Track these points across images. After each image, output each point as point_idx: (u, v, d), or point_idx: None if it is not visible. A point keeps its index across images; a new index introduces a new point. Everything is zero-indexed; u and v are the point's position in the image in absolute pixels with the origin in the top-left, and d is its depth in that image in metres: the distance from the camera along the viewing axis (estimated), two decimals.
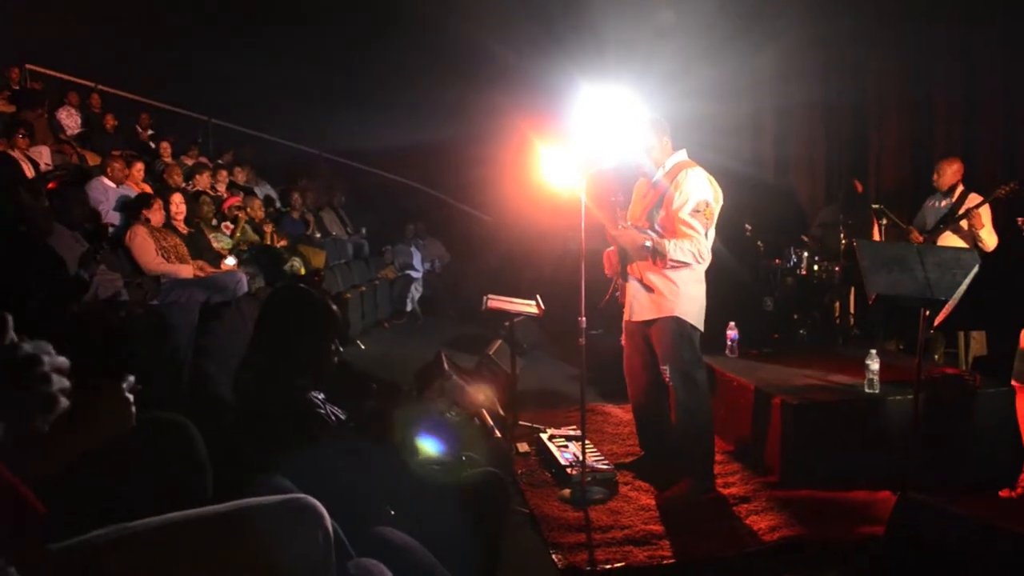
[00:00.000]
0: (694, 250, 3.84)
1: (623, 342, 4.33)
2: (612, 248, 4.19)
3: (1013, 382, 3.84)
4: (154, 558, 1.12)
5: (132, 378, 1.63)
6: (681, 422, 4.02)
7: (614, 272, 4.22)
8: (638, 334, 4.20)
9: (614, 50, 8.81)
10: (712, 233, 3.92)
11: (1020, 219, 3.62)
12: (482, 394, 4.32)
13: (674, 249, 3.82)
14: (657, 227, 3.96)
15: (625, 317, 4.22)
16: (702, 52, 8.67)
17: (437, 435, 4.67)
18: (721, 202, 3.96)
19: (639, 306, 4.09)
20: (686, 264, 3.88)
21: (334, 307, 2.50)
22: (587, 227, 3.93)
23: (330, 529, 1.19)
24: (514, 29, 10.00)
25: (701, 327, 4.04)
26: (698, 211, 3.83)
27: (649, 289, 4.00)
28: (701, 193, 3.85)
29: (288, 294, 2.59)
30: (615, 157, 4.09)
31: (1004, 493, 3.86)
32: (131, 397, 1.61)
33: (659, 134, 4.06)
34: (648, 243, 3.89)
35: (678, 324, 3.95)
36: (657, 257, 3.89)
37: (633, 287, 4.11)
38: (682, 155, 4.07)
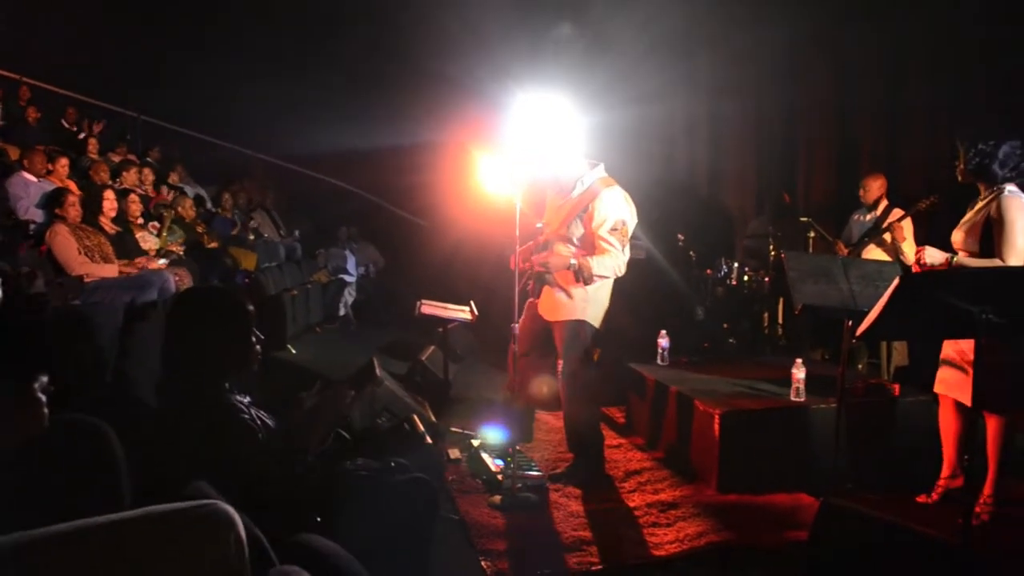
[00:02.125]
0: (614, 265, 4.15)
1: (520, 321, 4.33)
2: (525, 247, 4.39)
3: (935, 390, 3.96)
4: (56, 567, 1.07)
5: (45, 378, 1.57)
6: (571, 413, 4.40)
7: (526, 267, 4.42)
8: (539, 325, 4.43)
9: (550, 59, 8.88)
10: (628, 249, 4.22)
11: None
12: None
13: (597, 266, 4.11)
14: (576, 241, 4.21)
15: (535, 307, 4.43)
16: (638, 62, 8.78)
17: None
18: (636, 220, 4.26)
19: (549, 307, 4.33)
20: (605, 278, 4.19)
21: (249, 306, 2.43)
22: (522, 234, 3.99)
23: (243, 535, 1.15)
24: (452, 38, 9.99)
25: (599, 325, 4.32)
26: (616, 229, 4.13)
27: (560, 294, 4.25)
28: (619, 213, 4.15)
29: (197, 294, 2.52)
30: (546, 166, 4.25)
31: (921, 499, 3.97)
32: (43, 398, 1.54)
33: (575, 149, 4.28)
34: (573, 262, 4.13)
35: (580, 326, 4.25)
36: (580, 276, 4.13)
37: (548, 289, 4.33)
38: (599, 171, 4.30)
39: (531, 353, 4.57)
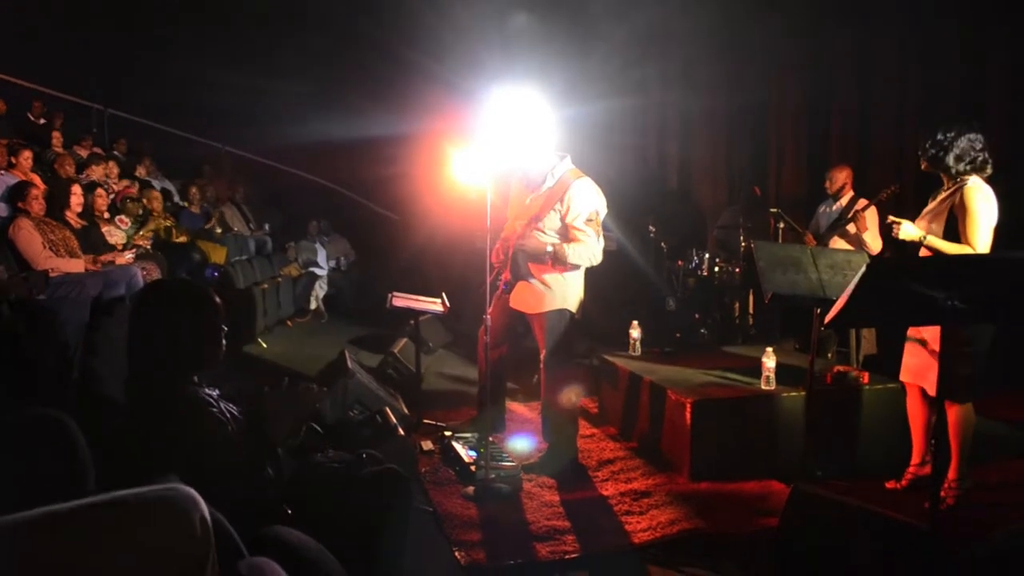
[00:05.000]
0: (589, 254, 4.21)
1: (488, 312, 4.31)
2: (499, 243, 4.46)
3: (901, 379, 4.01)
4: (17, 553, 1.06)
5: None
6: (549, 402, 4.44)
7: (500, 262, 4.47)
8: (514, 319, 4.52)
9: (524, 52, 8.87)
10: (602, 238, 4.26)
11: (890, 218, 3.77)
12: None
13: (573, 254, 4.17)
14: (551, 233, 4.25)
15: (507, 302, 4.46)
16: (612, 56, 8.80)
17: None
18: (606, 210, 4.31)
19: (525, 299, 4.37)
20: (580, 265, 4.26)
21: (216, 298, 2.40)
22: (493, 226, 4.00)
23: (208, 517, 1.13)
24: (425, 30, 9.95)
25: (577, 313, 4.38)
26: (590, 220, 4.19)
27: (538, 285, 4.29)
28: (592, 204, 4.20)
29: (164, 286, 2.48)
30: (517, 159, 4.27)
31: (890, 485, 4.02)
32: None
33: (543, 143, 4.30)
34: (549, 248, 4.19)
35: (560, 315, 4.30)
36: (556, 262, 4.20)
37: (523, 283, 4.35)
38: (567, 163, 4.33)
39: (503, 345, 4.60)
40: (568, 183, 4.21)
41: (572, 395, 4.41)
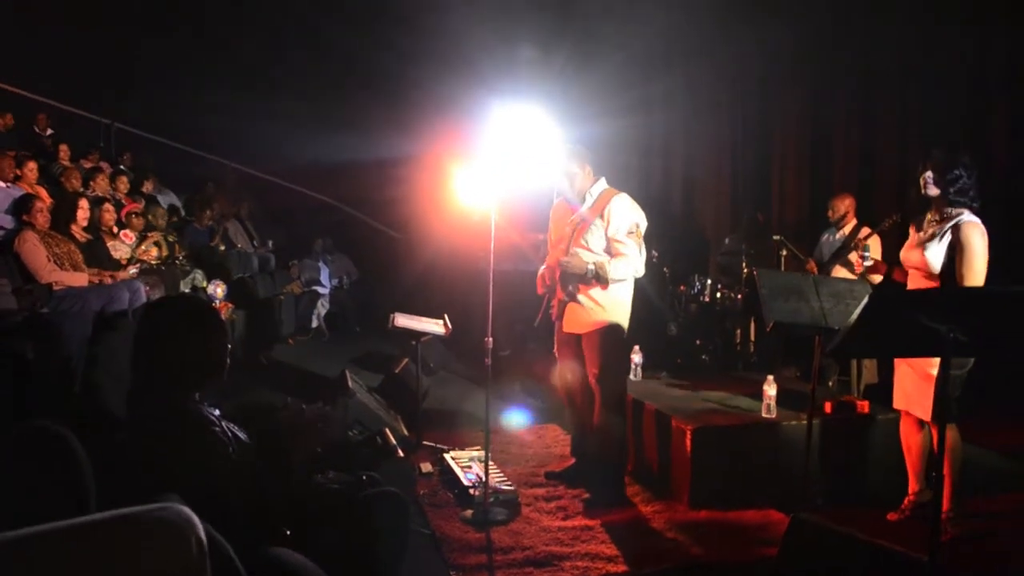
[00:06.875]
0: (631, 268, 4.24)
1: (556, 351, 4.58)
2: (544, 269, 4.48)
3: (895, 406, 4.00)
4: (13, 570, 1.05)
5: None
6: (603, 423, 4.32)
7: (546, 289, 4.49)
8: (573, 344, 4.45)
9: (529, 72, 8.92)
10: (643, 249, 4.31)
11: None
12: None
13: (615, 270, 4.18)
14: (596, 250, 4.27)
15: (561, 329, 4.47)
16: (616, 77, 8.85)
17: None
18: (646, 223, 4.34)
19: (577, 320, 4.35)
20: (624, 280, 4.26)
21: (221, 316, 2.40)
22: (496, 248, 4.00)
23: (203, 538, 1.13)
24: (431, 51, 10.02)
25: (626, 325, 4.36)
26: (631, 232, 4.24)
27: (587, 303, 4.27)
28: (631, 217, 4.25)
29: (169, 303, 2.48)
30: (534, 182, 4.30)
31: (892, 516, 3.99)
32: None
33: (581, 163, 4.35)
34: (591, 266, 4.19)
35: (613, 330, 4.27)
36: (599, 279, 4.20)
37: (571, 305, 4.34)
38: (603, 183, 4.39)
39: (580, 403, 4.57)
40: (607, 199, 4.28)
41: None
